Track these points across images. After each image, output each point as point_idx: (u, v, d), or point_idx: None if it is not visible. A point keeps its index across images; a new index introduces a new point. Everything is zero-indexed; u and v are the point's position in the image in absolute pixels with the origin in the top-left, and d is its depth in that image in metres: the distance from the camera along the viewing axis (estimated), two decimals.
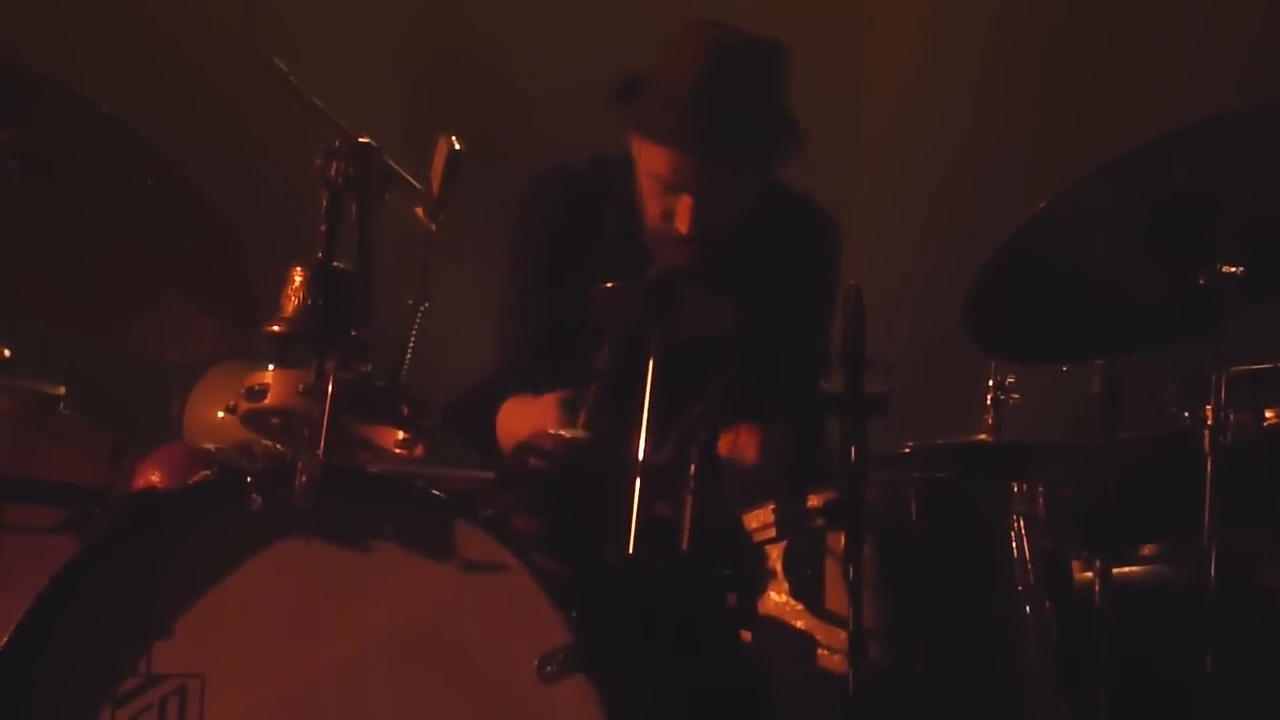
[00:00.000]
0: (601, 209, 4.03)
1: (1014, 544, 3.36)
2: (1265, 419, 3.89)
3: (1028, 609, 3.35)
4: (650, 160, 3.89)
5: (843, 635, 3.11)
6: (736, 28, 3.89)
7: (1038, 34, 6.14)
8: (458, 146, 3.36)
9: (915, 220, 6.08)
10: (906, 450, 3.91)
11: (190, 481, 3.39)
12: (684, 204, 3.85)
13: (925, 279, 5.73)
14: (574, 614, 3.07)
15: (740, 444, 3.72)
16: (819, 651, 3.24)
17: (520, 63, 6.22)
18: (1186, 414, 3.86)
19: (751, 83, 3.84)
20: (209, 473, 3.41)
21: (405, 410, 3.22)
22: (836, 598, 3.20)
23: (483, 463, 3.91)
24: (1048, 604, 3.37)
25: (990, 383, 4.29)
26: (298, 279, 3.18)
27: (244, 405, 3.20)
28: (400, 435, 3.24)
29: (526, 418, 3.76)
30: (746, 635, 3.32)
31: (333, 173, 3.22)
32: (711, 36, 3.83)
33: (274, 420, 3.22)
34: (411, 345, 3.33)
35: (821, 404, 3.69)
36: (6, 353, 3.82)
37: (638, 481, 3.17)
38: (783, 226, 4.05)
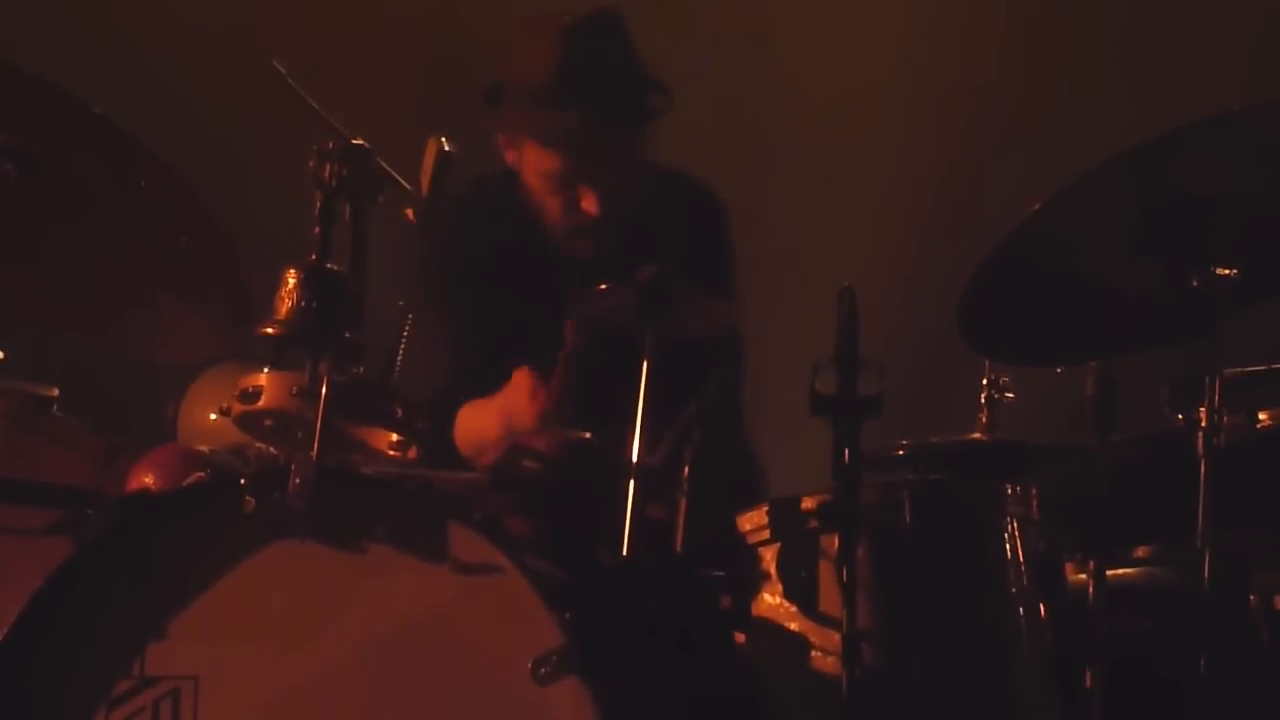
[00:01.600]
0: (494, 228, 4.04)
1: (1008, 546, 3.36)
2: (1259, 421, 3.88)
3: (1022, 611, 3.35)
4: (539, 161, 3.93)
5: (836, 637, 3.11)
6: (565, 9, 3.93)
7: (1035, 35, 6.14)
8: (447, 147, 3.36)
9: (909, 221, 6.07)
10: (900, 451, 3.91)
11: (184, 483, 3.39)
12: (584, 190, 3.91)
13: (919, 280, 5.73)
14: (568, 616, 3.07)
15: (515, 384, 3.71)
16: (813, 653, 3.24)
17: None
18: (1180, 416, 3.86)
19: (606, 55, 3.89)
20: (202, 475, 3.40)
21: (399, 412, 3.22)
22: (830, 599, 3.20)
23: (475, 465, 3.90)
24: (1042, 606, 3.37)
25: (984, 382, 4.28)
26: (291, 281, 3.18)
27: (238, 407, 3.20)
28: (394, 437, 3.24)
29: (482, 421, 3.76)
30: (740, 637, 3.32)
31: (326, 174, 3.22)
32: (555, 23, 3.88)
33: (267, 422, 3.22)
34: (403, 347, 3.33)
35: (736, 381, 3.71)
36: (0, 354, 3.82)
37: (631, 483, 3.17)
38: (670, 205, 4.10)
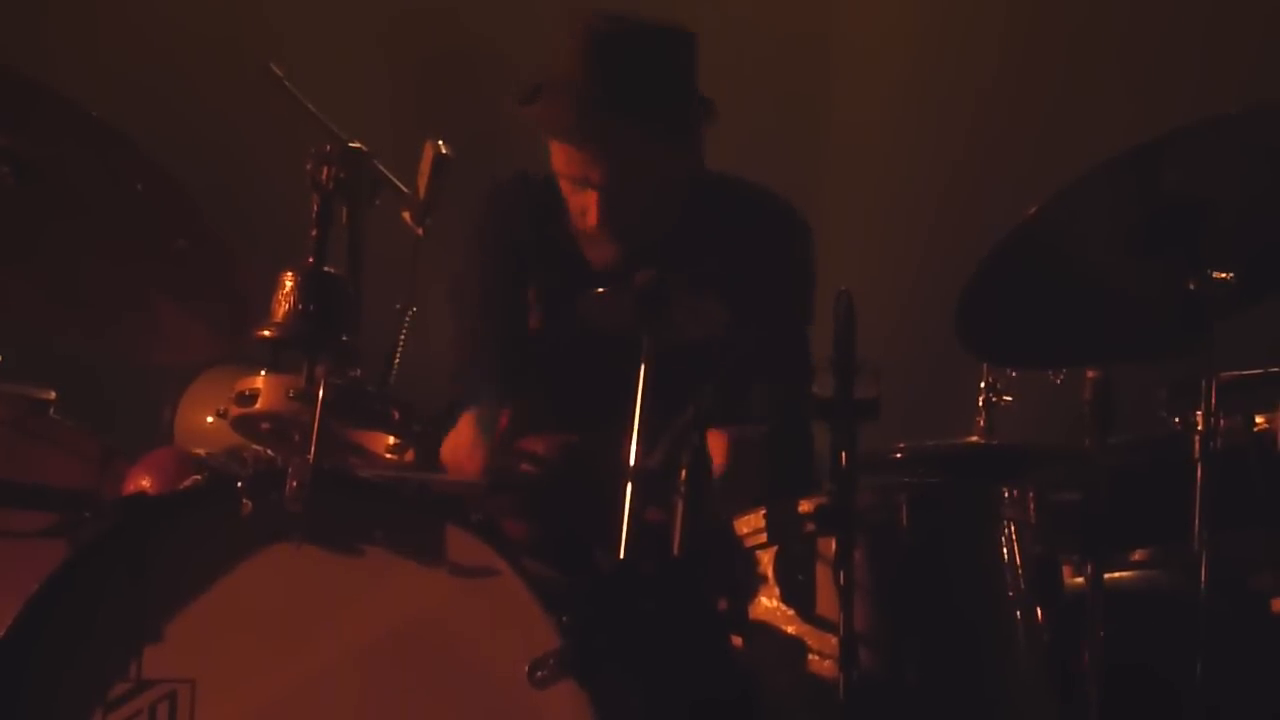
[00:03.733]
0: (550, 217, 4.01)
1: (1005, 549, 3.36)
2: (1255, 424, 3.89)
3: (1019, 614, 3.35)
4: (556, 160, 3.88)
5: (833, 640, 3.11)
6: (629, 15, 3.85)
7: (1034, 39, 6.14)
8: (444, 151, 3.36)
9: (907, 224, 6.07)
10: (897, 454, 3.91)
11: (181, 486, 3.39)
12: (590, 198, 3.84)
13: (916, 283, 5.73)
14: (565, 619, 3.06)
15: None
16: (810, 657, 3.24)
17: (513, 64, 6.21)
18: (1177, 419, 3.86)
19: (632, 66, 3.80)
20: (199, 477, 3.40)
21: (396, 415, 3.22)
22: (827, 603, 3.20)
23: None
24: (1039, 609, 3.37)
25: (982, 385, 4.28)
26: (288, 284, 3.19)
27: (234, 410, 3.21)
28: (390, 440, 3.24)
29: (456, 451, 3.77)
30: (737, 640, 3.32)
31: (323, 177, 3.22)
32: (587, 25, 3.81)
33: (264, 425, 3.22)
34: (400, 350, 3.33)
35: (805, 404, 3.69)
36: None
37: (628, 486, 3.17)
38: (748, 222, 4.03)
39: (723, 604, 3.32)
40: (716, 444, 3.66)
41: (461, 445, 3.80)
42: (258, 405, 3.18)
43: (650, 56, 3.83)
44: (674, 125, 3.86)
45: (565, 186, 3.89)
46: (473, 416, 3.82)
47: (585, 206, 3.85)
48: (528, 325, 3.97)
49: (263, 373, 3.20)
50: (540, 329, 3.95)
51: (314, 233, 3.23)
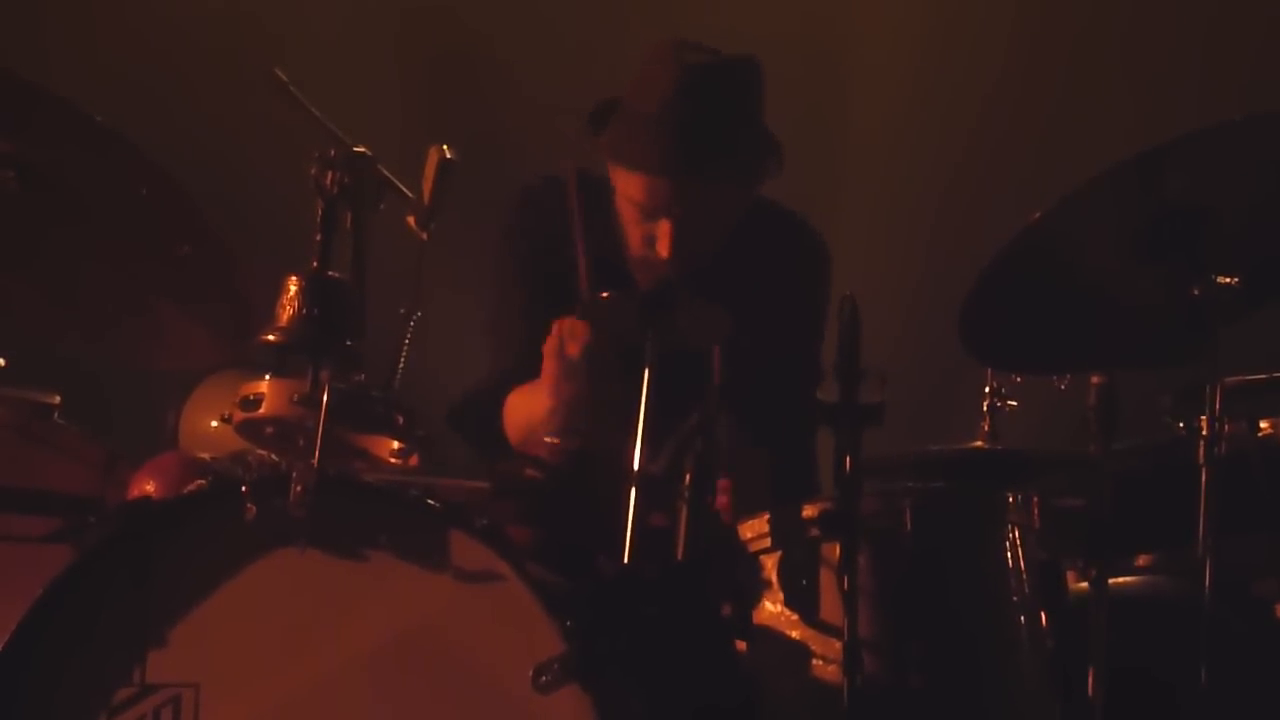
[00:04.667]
0: (585, 226, 4.00)
1: (1009, 554, 3.36)
2: (1260, 429, 3.89)
3: (1023, 619, 3.35)
4: (626, 186, 3.86)
5: (837, 645, 3.11)
6: (707, 46, 3.85)
7: (1038, 47, 6.15)
8: (449, 155, 3.36)
9: (911, 230, 6.08)
10: (902, 459, 3.91)
11: (185, 491, 3.39)
12: (663, 229, 3.83)
13: (921, 288, 5.74)
14: (569, 624, 3.06)
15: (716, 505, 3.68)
16: (813, 662, 3.24)
17: (517, 69, 6.22)
18: (1181, 424, 3.86)
19: (722, 101, 3.80)
20: (203, 482, 3.40)
21: (400, 420, 3.22)
22: (831, 608, 3.20)
23: (478, 472, 3.90)
24: (1043, 614, 3.36)
25: (986, 390, 4.28)
26: (293, 288, 3.19)
27: (239, 414, 3.21)
28: (395, 445, 3.24)
29: (531, 402, 3.73)
30: (741, 645, 3.32)
31: (327, 182, 3.22)
32: (679, 57, 3.80)
33: (269, 429, 3.22)
34: (404, 354, 3.33)
35: (813, 421, 3.70)
36: (1, 362, 3.82)
37: (632, 491, 3.17)
38: (770, 244, 4.04)
39: (726, 609, 3.32)
40: (723, 497, 3.66)
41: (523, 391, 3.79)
42: (262, 410, 3.18)
43: (737, 92, 3.84)
44: (755, 165, 3.88)
45: (629, 212, 3.88)
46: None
47: (653, 235, 3.85)
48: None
49: (267, 377, 3.20)
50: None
51: (318, 237, 3.23)
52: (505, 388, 3.91)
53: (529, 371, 3.78)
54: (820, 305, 4.05)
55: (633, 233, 3.89)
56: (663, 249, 3.83)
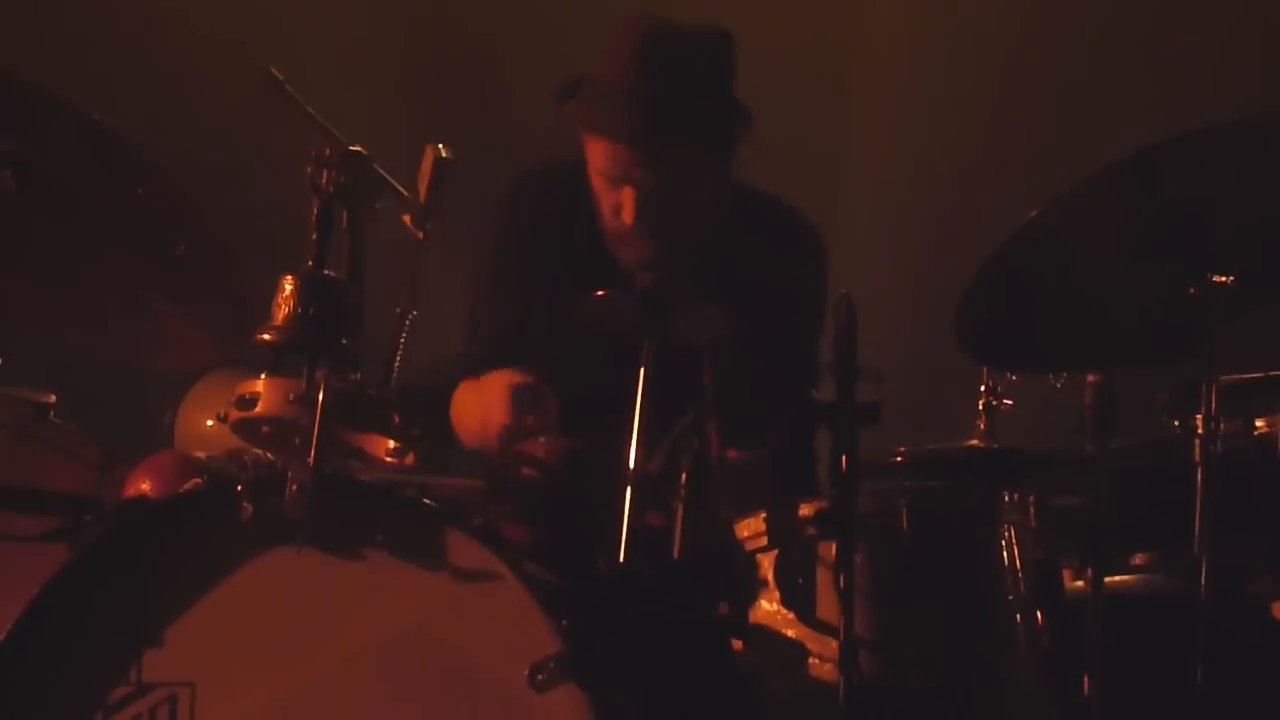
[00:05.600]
0: (576, 212, 4.02)
1: (1005, 553, 3.36)
2: (1256, 428, 3.89)
3: (1019, 618, 3.35)
4: (593, 156, 3.89)
5: (834, 644, 3.11)
6: (675, 20, 3.87)
7: (1036, 43, 6.15)
8: (444, 154, 3.36)
9: (907, 228, 6.08)
10: (898, 458, 3.91)
11: (181, 490, 3.38)
12: (626, 195, 3.85)
13: (917, 287, 5.73)
14: (565, 623, 3.06)
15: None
16: (810, 660, 3.24)
17: (514, 69, 6.22)
18: (1177, 423, 3.86)
19: (684, 69, 3.82)
20: (199, 481, 3.40)
21: (395, 419, 3.22)
22: (828, 607, 3.20)
23: (474, 471, 3.89)
24: (1039, 613, 3.37)
25: (983, 389, 4.28)
26: (288, 287, 3.19)
27: (235, 413, 3.20)
28: (391, 444, 3.24)
29: (476, 400, 3.76)
30: (738, 644, 3.32)
31: (323, 181, 3.22)
32: (642, 27, 3.84)
33: (265, 429, 3.22)
34: (400, 353, 3.33)
35: (811, 416, 3.70)
36: None
37: (629, 490, 3.17)
38: (766, 236, 4.04)
39: (723, 608, 3.32)
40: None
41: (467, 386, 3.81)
42: (258, 409, 3.18)
43: (699, 61, 3.86)
44: (717, 131, 3.88)
45: (599, 184, 3.91)
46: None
47: (620, 204, 3.87)
48: (537, 321, 3.98)
49: (263, 376, 3.20)
50: (549, 326, 3.95)
51: (314, 236, 3.23)
52: (461, 372, 3.91)
53: (492, 357, 3.85)
54: (818, 298, 4.05)
55: (604, 203, 3.92)
56: (626, 215, 3.85)
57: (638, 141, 3.82)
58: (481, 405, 3.73)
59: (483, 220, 4.11)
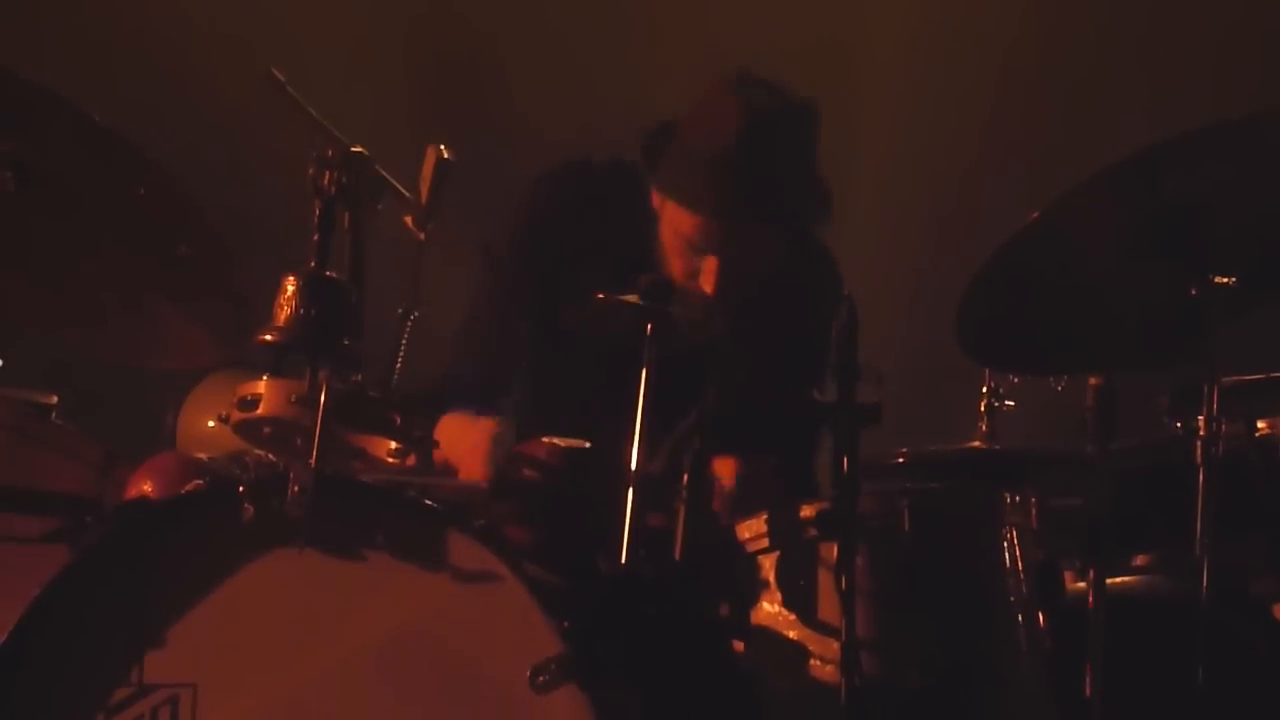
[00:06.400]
0: (613, 216, 4.00)
1: (1006, 554, 3.36)
2: (1257, 429, 3.89)
3: (1020, 619, 3.35)
4: (677, 220, 3.85)
5: (835, 645, 3.11)
6: (768, 84, 3.84)
7: (1035, 44, 6.15)
8: (446, 155, 3.36)
9: (910, 228, 6.08)
10: (899, 460, 3.91)
11: (182, 491, 3.38)
12: (710, 265, 3.82)
13: (919, 288, 5.73)
14: (566, 624, 3.06)
15: (717, 471, 3.67)
16: (811, 662, 3.24)
17: (516, 70, 6.22)
18: (1179, 424, 3.86)
19: (783, 148, 3.80)
20: (201, 482, 3.39)
21: (397, 420, 3.22)
22: (829, 608, 3.20)
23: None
24: (1040, 614, 3.37)
25: (984, 390, 4.28)
26: (290, 288, 3.18)
27: (236, 415, 3.20)
28: (392, 445, 3.24)
29: (460, 439, 3.75)
30: (739, 645, 3.32)
31: (325, 182, 3.22)
32: (743, 97, 3.79)
33: (266, 430, 3.21)
34: (402, 354, 3.33)
35: (814, 423, 3.70)
36: None
37: (630, 491, 3.17)
38: (801, 273, 4.05)
39: (724, 609, 3.32)
40: (725, 470, 3.66)
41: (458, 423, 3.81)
42: (260, 410, 3.17)
43: (797, 138, 3.85)
44: (806, 208, 3.89)
45: (676, 245, 3.87)
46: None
47: (699, 270, 3.84)
48: (548, 327, 3.97)
49: (265, 377, 3.19)
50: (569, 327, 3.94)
51: (316, 237, 3.23)
52: (448, 398, 3.91)
53: (477, 388, 3.87)
54: (827, 312, 4.04)
55: (676, 263, 3.88)
56: (708, 285, 3.82)
57: (733, 219, 3.80)
58: (461, 453, 3.71)
59: (496, 222, 4.09)
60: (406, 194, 3.36)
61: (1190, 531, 3.31)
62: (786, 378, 3.94)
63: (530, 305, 4.01)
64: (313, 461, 3.08)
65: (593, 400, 3.66)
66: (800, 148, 3.85)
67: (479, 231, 4.13)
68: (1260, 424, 3.89)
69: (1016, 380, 4.17)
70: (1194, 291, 3.41)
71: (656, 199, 3.91)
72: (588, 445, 3.55)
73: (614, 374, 3.30)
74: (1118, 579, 3.82)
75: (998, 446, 4.15)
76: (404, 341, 3.33)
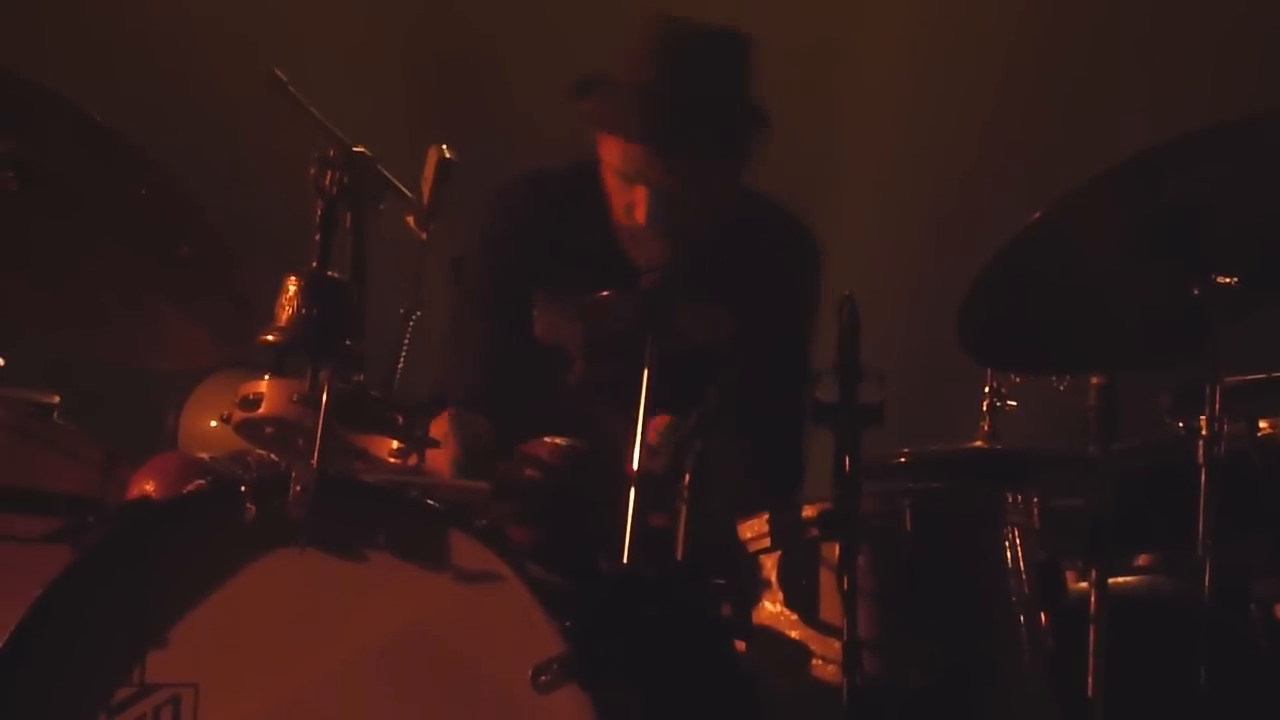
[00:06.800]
0: (575, 214, 4.02)
1: (1009, 554, 3.36)
2: (1259, 429, 3.89)
3: (1022, 619, 3.35)
4: (608, 154, 3.90)
5: (837, 645, 3.11)
6: (696, 20, 3.87)
7: (1039, 44, 6.15)
8: (448, 155, 3.36)
9: (910, 229, 6.09)
10: (901, 459, 3.91)
11: (184, 491, 3.38)
12: (639, 194, 3.85)
13: (921, 287, 5.73)
14: (568, 624, 3.06)
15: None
16: (813, 662, 3.24)
17: (517, 70, 6.22)
18: (1181, 424, 3.86)
19: (705, 73, 3.82)
20: (203, 482, 3.39)
21: (399, 419, 3.22)
22: (831, 608, 3.20)
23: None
24: (1042, 614, 3.37)
25: (986, 390, 4.29)
26: (292, 288, 3.19)
27: (238, 414, 3.20)
28: (394, 445, 3.24)
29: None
30: (741, 645, 3.32)
31: (327, 182, 3.22)
32: (663, 28, 3.84)
33: (268, 429, 3.22)
34: (404, 354, 3.33)
35: (802, 412, 3.70)
36: (0, 362, 3.82)
37: (631, 491, 3.17)
38: (761, 237, 4.04)
39: (726, 609, 3.32)
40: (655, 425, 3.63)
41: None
42: (261, 410, 3.18)
43: (719, 63, 3.86)
44: (735, 135, 3.88)
45: (613, 182, 3.91)
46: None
47: (633, 202, 3.88)
48: (529, 331, 3.97)
49: (266, 377, 3.20)
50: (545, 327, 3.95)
51: (317, 237, 3.23)
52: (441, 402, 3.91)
53: (473, 397, 3.85)
54: (810, 299, 4.06)
55: (616, 201, 3.92)
56: (639, 214, 3.86)
57: (655, 142, 3.82)
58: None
59: (467, 235, 4.10)
60: (408, 194, 3.37)
61: (1192, 532, 3.31)
62: (773, 367, 3.93)
63: (501, 318, 4.01)
64: (314, 461, 3.08)
65: (576, 402, 3.68)
66: (726, 75, 3.86)
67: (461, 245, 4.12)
68: (1262, 424, 3.89)
69: (1018, 380, 4.18)
70: (1195, 292, 3.40)
71: (599, 144, 3.93)
72: (581, 445, 3.55)
73: (594, 374, 3.31)
74: (1120, 579, 3.82)
75: (999, 446, 4.16)
76: (406, 341, 3.34)
